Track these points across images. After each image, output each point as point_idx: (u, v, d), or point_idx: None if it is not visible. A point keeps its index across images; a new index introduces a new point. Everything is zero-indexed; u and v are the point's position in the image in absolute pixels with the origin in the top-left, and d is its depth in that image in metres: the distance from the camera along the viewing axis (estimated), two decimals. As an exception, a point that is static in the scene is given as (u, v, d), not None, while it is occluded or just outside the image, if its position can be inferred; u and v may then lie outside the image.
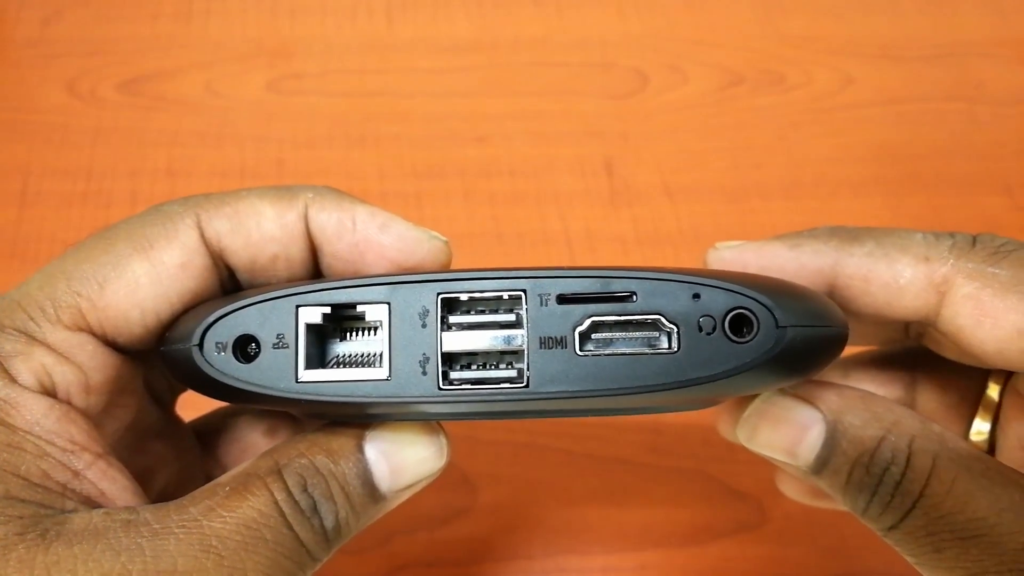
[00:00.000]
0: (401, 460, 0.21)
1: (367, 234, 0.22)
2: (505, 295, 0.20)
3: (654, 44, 0.56)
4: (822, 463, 0.21)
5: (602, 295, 0.20)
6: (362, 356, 0.21)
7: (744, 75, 0.54)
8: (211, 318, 0.20)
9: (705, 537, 0.39)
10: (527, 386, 0.20)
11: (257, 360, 0.20)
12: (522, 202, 0.48)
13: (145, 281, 0.20)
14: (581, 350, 0.20)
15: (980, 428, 0.27)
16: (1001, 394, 0.27)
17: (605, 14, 0.57)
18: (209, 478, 0.25)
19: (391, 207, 0.48)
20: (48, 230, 0.46)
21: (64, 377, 0.20)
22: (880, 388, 0.28)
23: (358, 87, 0.52)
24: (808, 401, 0.22)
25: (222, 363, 0.20)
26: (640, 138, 0.51)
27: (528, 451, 0.40)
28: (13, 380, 0.19)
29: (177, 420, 0.27)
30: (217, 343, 0.20)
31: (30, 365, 0.19)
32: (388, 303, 0.20)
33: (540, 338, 0.20)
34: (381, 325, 0.20)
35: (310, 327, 0.20)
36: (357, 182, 0.48)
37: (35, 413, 0.19)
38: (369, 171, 0.49)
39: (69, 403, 0.20)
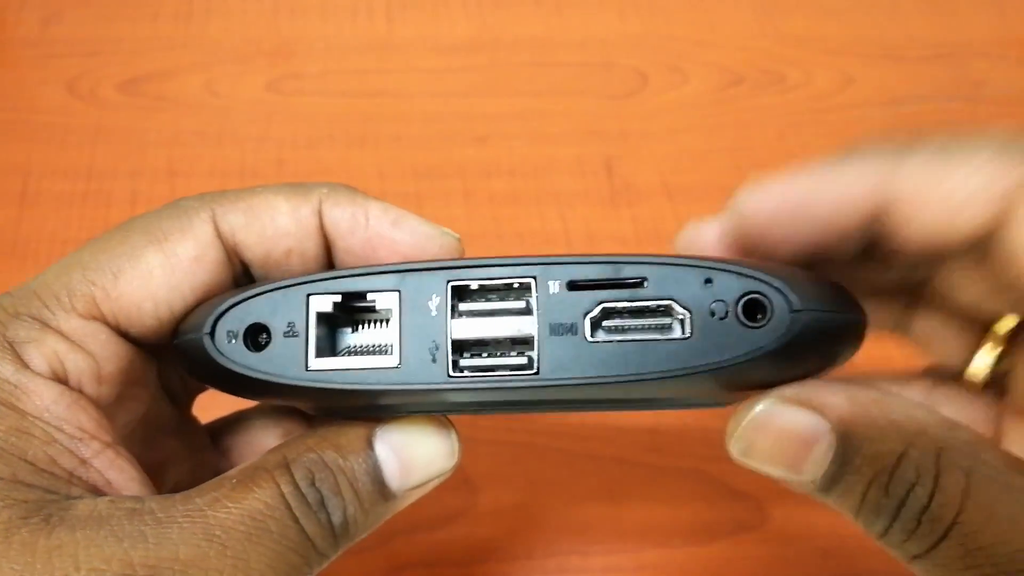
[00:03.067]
0: (412, 457, 0.21)
1: (380, 229, 0.22)
2: (515, 283, 0.20)
3: (654, 44, 0.56)
4: (831, 481, 0.19)
5: (612, 281, 0.20)
6: (373, 345, 0.21)
7: (744, 75, 0.54)
8: (223, 306, 0.20)
9: (705, 537, 0.39)
10: (537, 373, 0.19)
11: (268, 349, 0.20)
12: (522, 202, 0.48)
13: (159, 272, 0.20)
14: (592, 337, 0.19)
15: (982, 362, 0.24)
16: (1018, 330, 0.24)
17: (605, 14, 0.57)
18: None
19: (391, 207, 0.48)
20: (48, 230, 0.46)
21: (76, 365, 0.20)
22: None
23: (358, 87, 0.52)
24: (813, 408, 0.19)
25: (233, 352, 0.20)
26: (640, 138, 0.51)
27: (528, 451, 0.40)
28: (26, 366, 0.19)
29: (192, 420, 0.27)
30: (228, 332, 0.20)
31: (43, 351, 0.19)
32: (398, 291, 0.20)
33: (550, 325, 0.19)
34: (391, 313, 0.20)
35: (321, 316, 0.20)
36: (357, 182, 0.48)
37: (45, 399, 0.19)
38: (369, 171, 0.49)
39: (80, 391, 0.20)
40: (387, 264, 0.20)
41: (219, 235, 0.21)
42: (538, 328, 0.19)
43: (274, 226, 0.22)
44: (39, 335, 0.19)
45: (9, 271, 0.44)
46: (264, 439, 0.26)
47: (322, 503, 0.19)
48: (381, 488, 0.20)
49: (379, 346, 0.20)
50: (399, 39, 0.55)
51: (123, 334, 0.21)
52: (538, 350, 0.19)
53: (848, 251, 0.23)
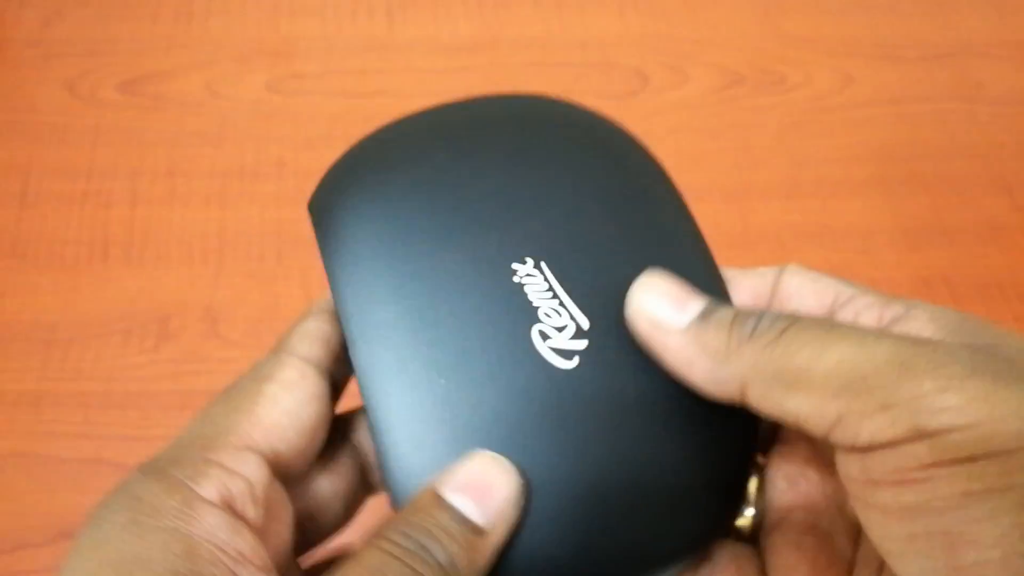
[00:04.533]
0: (480, 487, 0.22)
1: None
2: None
3: (654, 44, 0.56)
4: (708, 312, 0.22)
5: None
6: None
7: (744, 75, 0.54)
8: None
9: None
10: None
11: None
12: (522, 202, 0.48)
13: (281, 395, 0.24)
14: None
15: (751, 513, 0.27)
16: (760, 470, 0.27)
17: (605, 14, 0.57)
18: None
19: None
20: (48, 230, 0.46)
21: (238, 488, 0.22)
22: None
23: (358, 87, 0.52)
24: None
25: None
26: (640, 138, 0.51)
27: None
28: (199, 496, 0.21)
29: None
30: None
31: (211, 482, 0.21)
32: None
33: None
34: None
35: None
36: (357, 182, 0.48)
37: (212, 524, 0.21)
38: (369, 171, 0.49)
39: (243, 516, 0.22)
40: None
41: (305, 362, 0.25)
42: None
43: (327, 333, 0.25)
44: (204, 468, 0.22)
45: (9, 271, 0.44)
46: None
47: (423, 547, 0.21)
48: (470, 525, 0.22)
49: None
50: (399, 39, 0.55)
51: (272, 461, 0.23)
52: None
53: None
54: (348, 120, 0.51)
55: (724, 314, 0.22)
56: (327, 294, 0.25)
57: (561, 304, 0.23)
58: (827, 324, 0.21)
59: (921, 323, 0.23)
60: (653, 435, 0.22)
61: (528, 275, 0.24)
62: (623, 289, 0.23)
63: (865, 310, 0.24)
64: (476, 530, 0.22)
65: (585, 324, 0.23)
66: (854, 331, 0.20)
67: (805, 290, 0.26)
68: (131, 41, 0.53)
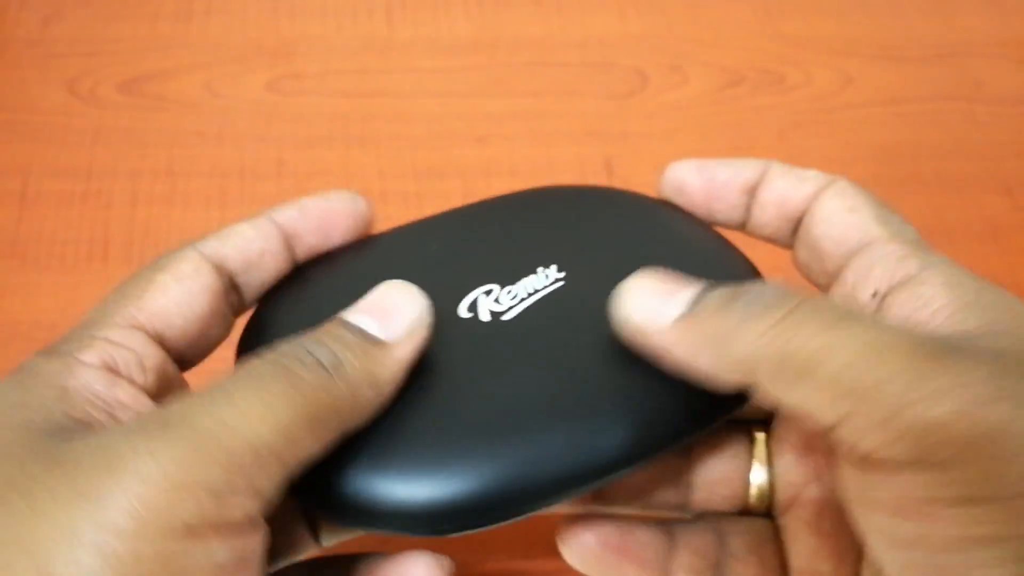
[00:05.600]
0: (383, 305, 0.23)
1: (321, 214, 0.27)
2: None
3: (654, 44, 0.56)
4: (697, 297, 0.22)
5: None
6: None
7: (744, 75, 0.54)
8: None
9: (705, 537, 0.38)
10: None
11: None
12: (522, 202, 0.48)
13: (171, 284, 0.25)
14: None
15: (759, 481, 0.27)
16: (767, 438, 0.27)
17: (605, 14, 0.57)
18: None
19: (391, 207, 0.48)
20: (48, 230, 0.46)
21: (122, 356, 0.23)
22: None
23: (358, 87, 0.52)
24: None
25: None
26: (640, 138, 0.51)
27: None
28: (78, 360, 0.23)
29: None
30: None
31: (93, 351, 0.23)
32: None
33: None
34: None
35: None
36: (357, 182, 0.48)
37: (88, 378, 0.22)
38: (369, 171, 0.49)
39: (128, 378, 0.23)
40: None
41: (204, 257, 0.26)
42: None
43: (243, 237, 0.26)
44: (89, 342, 0.23)
45: (9, 271, 0.44)
46: None
47: (306, 351, 0.21)
48: (368, 336, 0.22)
49: None
50: (399, 39, 0.55)
51: (158, 340, 0.24)
52: None
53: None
54: (348, 120, 0.51)
55: (720, 292, 0.21)
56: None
57: (523, 300, 0.25)
58: (839, 311, 0.19)
59: (932, 288, 0.21)
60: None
61: (545, 275, 0.26)
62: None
63: (880, 261, 0.23)
64: (375, 341, 0.22)
65: (506, 318, 0.25)
66: (869, 326, 0.19)
67: (835, 221, 0.25)
68: (131, 41, 0.53)
